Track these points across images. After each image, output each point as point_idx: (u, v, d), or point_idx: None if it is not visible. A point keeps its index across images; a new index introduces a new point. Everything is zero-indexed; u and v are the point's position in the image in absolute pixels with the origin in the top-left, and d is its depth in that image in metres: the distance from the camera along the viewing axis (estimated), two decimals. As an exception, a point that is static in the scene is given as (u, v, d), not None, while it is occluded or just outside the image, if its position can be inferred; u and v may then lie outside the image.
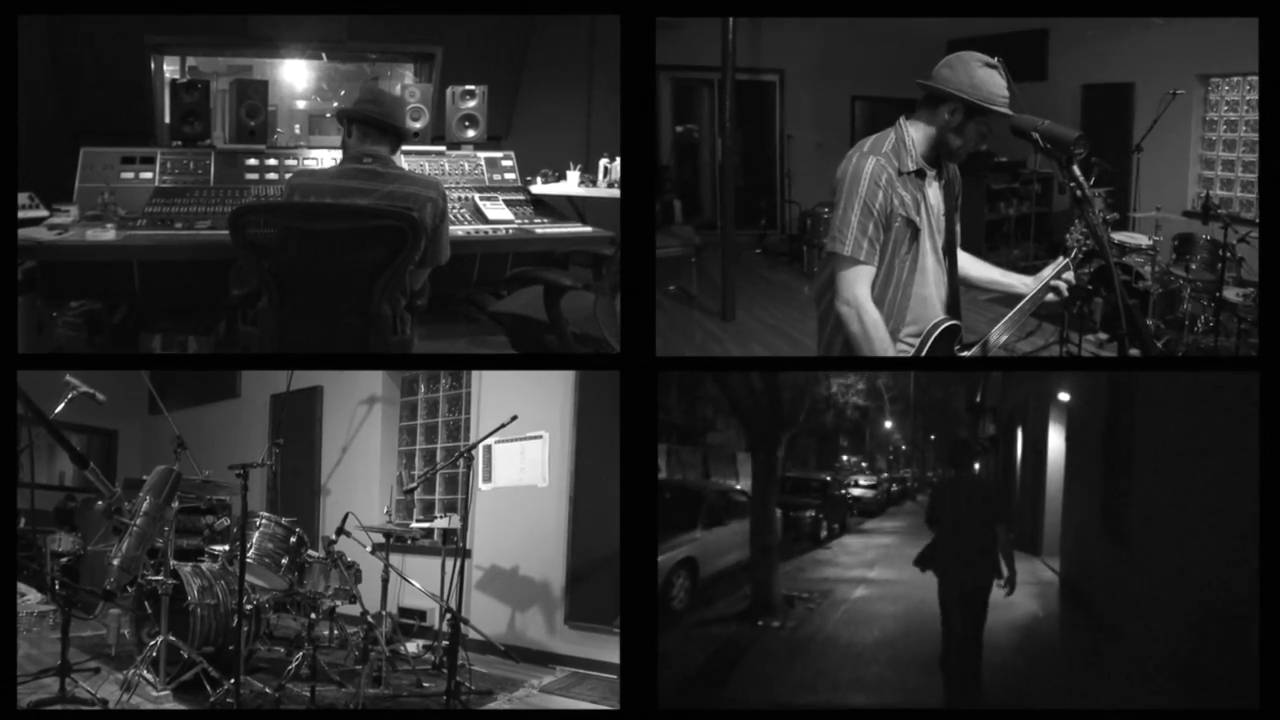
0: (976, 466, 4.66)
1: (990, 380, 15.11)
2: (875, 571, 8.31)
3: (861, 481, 18.95)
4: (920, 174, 2.67)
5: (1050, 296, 2.89)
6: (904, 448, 31.39)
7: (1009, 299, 3.00)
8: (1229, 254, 5.80)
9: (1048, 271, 2.90)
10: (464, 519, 4.53)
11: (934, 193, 2.74)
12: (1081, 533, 6.84)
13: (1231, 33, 7.05)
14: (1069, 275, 2.88)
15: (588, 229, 5.28)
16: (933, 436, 31.73)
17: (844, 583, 7.45)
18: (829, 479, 13.31)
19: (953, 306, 2.85)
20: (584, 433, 5.27)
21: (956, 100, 2.60)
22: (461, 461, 4.38)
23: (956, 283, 2.85)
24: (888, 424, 27.12)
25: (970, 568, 3.94)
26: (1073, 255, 2.88)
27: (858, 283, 2.60)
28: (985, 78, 2.58)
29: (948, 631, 4.07)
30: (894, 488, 22.46)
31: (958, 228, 2.92)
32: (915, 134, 2.67)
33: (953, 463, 4.53)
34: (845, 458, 27.69)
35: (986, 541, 3.94)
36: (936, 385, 24.76)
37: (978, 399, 17.68)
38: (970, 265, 3.02)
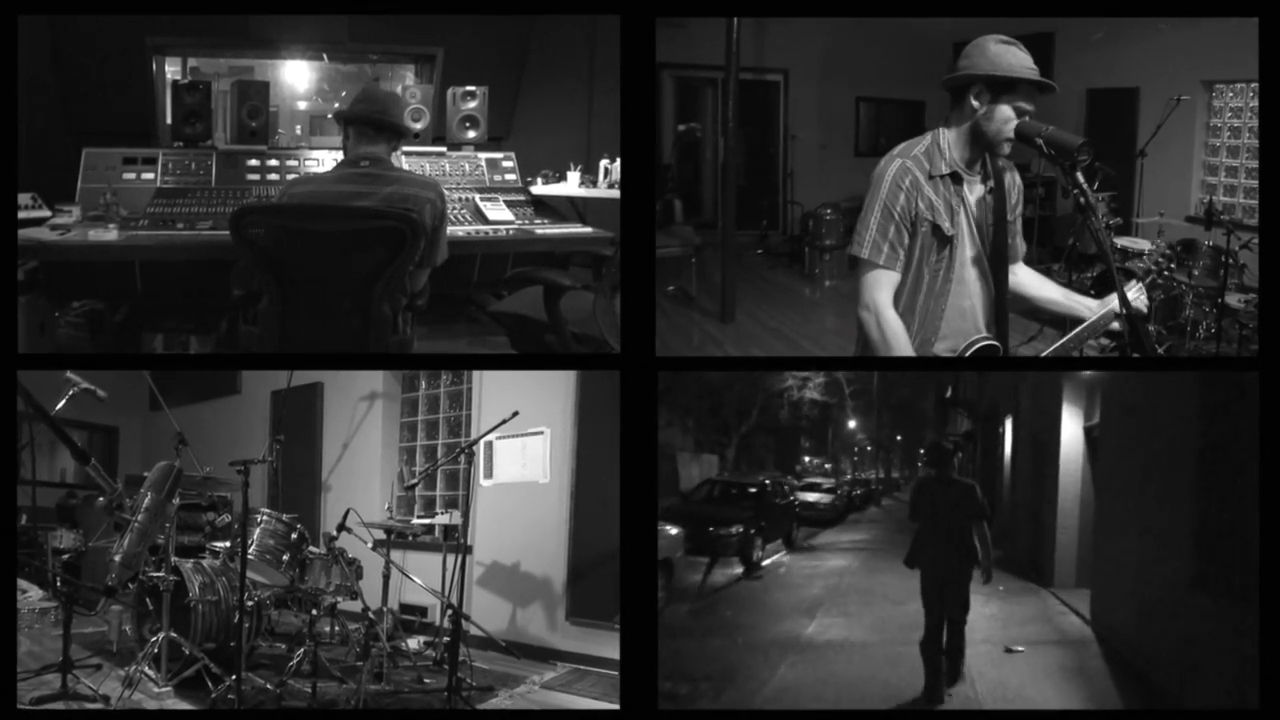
0: (955, 464, 4.42)
1: (963, 374, 13.90)
2: (815, 624, 5.76)
3: (816, 484, 16.54)
4: (956, 178, 2.55)
5: (1116, 325, 2.62)
6: (869, 448, 29.28)
7: (1062, 321, 2.81)
8: (1231, 260, 5.78)
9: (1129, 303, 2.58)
10: (465, 515, 4.55)
11: (975, 199, 2.59)
12: (1144, 574, 4.60)
13: (1236, 39, 7.03)
14: (1142, 301, 2.65)
15: (588, 229, 5.30)
16: (899, 437, 30.18)
17: (760, 651, 4.94)
18: (769, 483, 10.59)
19: (998, 321, 2.68)
20: (585, 429, 5.28)
21: (978, 82, 2.48)
22: (462, 457, 4.35)
23: (1005, 296, 2.66)
24: (851, 423, 25.51)
25: (950, 561, 4.08)
26: (1148, 280, 2.71)
27: (878, 288, 2.49)
28: (1002, 52, 2.48)
29: (930, 622, 4.16)
30: (856, 491, 19.88)
31: (1017, 239, 2.76)
32: (950, 136, 2.56)
33: (932, 463, 4.53)
34: (808, 459, 25.61)
35: (965, 536, 4.08)
36: (903, 382, 23.13)
37: (948, 394, 16.42)
38: (1029, 281, 2.84)
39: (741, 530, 8.27)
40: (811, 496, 14.90)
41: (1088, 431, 7.07)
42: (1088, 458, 7.01)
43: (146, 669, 3.98)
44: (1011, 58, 2.48)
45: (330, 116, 5.54)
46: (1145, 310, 2.67)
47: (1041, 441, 8.07)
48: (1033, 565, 7.74)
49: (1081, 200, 2.33)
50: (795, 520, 11.21)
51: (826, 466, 25.25)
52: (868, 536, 12.50)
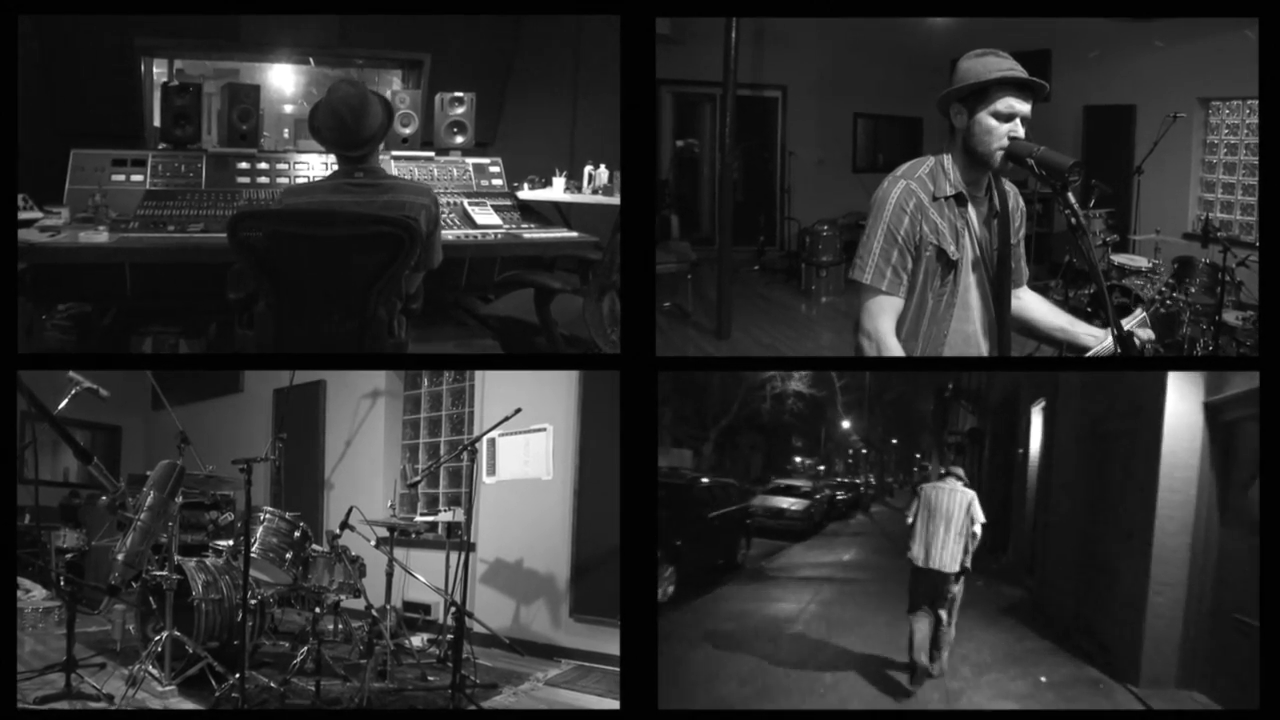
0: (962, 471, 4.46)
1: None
2: None
3: (794, 487, 13.58)
4: (961, 200, 2.48)
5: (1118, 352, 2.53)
6: (864, 450, 27.44)
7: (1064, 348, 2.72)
8: (1228, 277, 5.72)
9: (1121, 325, 2.52)
10: (468, 512, 4.55)
11: (980, 221, 2.53)
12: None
13: (1232, 57, 7.00)
14: (1145, 332, 2.55)
15: (574, 234, 5.30)
16: (895, 440, 28.86)
17: None
18: (706, 482, 8.08)
19: (1000, 348, 2.62)
20: (588, 425, 5.28)
21: (952, 99, 2.44)
22: (465, 455, 4.34)
23: (1006, 320, 2.60)
24: (845, 423, 23.98)
25: (942, 561, 4.20)
26: (1153, 309, 2.65)
27: (880, 315, 2.41)
28: (971, 64, 2.43)
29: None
30: (840, 495, 16.74)
31: (1023, 264, 2.73)
32: (951, 158, 2.50)
33: (945, 473, 4.53)
34: (798, 458, 23.72)
35: (959, 541, 4.20)
36: (898, 377, 21.72)
37: (949, 388, 14.70)
38: (1036, 307, 2.77)
39: None
40: (784, 502, 12.46)
41: (1213, 410, 4.15)
42: (1213, 460, 4.16)
43: (150, 668, 4.00)
44: (981, 67, 2.42)
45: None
46: (1150, 340, 2.55)
47: (1108, 432, 5.11)
48: (1092, 638, 4.86)
49: (1073, 220, 2.28)
50: (746, 535, 8.75)
51: (820, 468, 23.37)
52: (845, 558, 9.71)
